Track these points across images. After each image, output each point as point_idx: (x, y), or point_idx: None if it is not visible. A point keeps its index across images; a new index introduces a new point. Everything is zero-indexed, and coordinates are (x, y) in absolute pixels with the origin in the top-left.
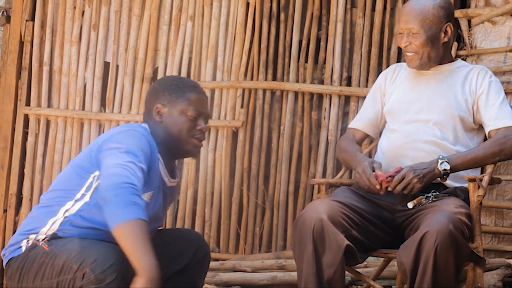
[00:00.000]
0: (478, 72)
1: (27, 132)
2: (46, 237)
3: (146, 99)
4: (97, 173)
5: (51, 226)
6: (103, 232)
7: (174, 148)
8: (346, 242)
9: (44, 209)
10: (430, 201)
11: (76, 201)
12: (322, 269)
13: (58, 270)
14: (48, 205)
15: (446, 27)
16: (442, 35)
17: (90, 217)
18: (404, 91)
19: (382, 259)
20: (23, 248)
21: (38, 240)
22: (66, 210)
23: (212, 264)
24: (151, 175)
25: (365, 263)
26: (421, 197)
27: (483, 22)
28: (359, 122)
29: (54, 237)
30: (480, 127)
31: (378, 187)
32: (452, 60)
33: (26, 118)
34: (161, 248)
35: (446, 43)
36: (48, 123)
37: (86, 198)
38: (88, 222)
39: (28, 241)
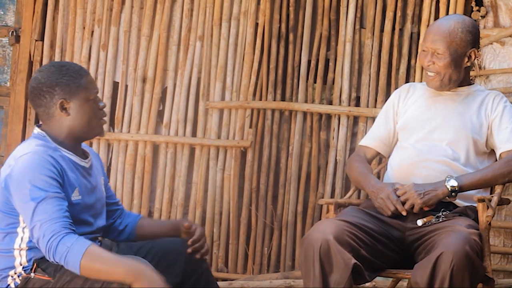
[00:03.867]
0: (494, 97)
1: None
2: (29, 267)
3: (35, 101)
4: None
5: (20, 252)
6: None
7: (82, 135)
8: (354, 260)
9: None
10: (440, 220)
11: (24, 228)
12: None
13: None
14: None
15: (471, 52)
16: (466, 59)
17: None
18: (420, 108)
19: (391, 279)
20: (12, 285)
21: (25, 271)
22: (21, 238)
23: (220, 284)
24: (69, 177)
25: (373, 283)
26: (431, 216)
27: (492, 43)
28: (371, 140)
29: (42, 262)
30: (492, 152)
31: (405, 213)
32: (469, 83)
33: None
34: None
35: (468, 67)
36: None
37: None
38: None
39: (13, 277)
